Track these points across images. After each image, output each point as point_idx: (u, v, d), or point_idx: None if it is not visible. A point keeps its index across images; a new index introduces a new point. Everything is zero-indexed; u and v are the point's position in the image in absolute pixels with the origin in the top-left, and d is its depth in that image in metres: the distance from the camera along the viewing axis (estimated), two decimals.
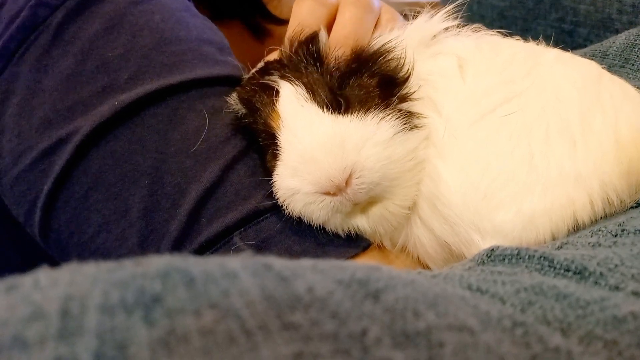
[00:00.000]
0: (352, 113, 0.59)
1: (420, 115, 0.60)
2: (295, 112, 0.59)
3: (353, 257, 0.61)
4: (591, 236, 0.49)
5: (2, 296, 0.27)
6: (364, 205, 0.60)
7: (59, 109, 0.61)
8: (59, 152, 0.60)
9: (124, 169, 0.60)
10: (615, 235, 0.48)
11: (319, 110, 0.59)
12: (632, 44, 0.72)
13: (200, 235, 0.59)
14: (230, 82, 0.66)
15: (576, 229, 0.55)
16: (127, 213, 0.60)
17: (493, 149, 0.58)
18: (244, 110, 0.64)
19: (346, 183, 0.56)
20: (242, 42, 0.90)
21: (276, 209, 0.60)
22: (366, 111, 0.59)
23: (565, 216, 0.55)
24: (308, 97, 0.60)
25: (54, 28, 0.62)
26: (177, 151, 0.61)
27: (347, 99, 0.60)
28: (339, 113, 0.59)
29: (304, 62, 0.62)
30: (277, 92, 0.61)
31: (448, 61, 0.63)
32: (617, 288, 0.39)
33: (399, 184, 0.59)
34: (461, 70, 0.62)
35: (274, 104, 0.61)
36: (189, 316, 0.26)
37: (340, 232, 0.60)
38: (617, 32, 0.88)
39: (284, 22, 0.90)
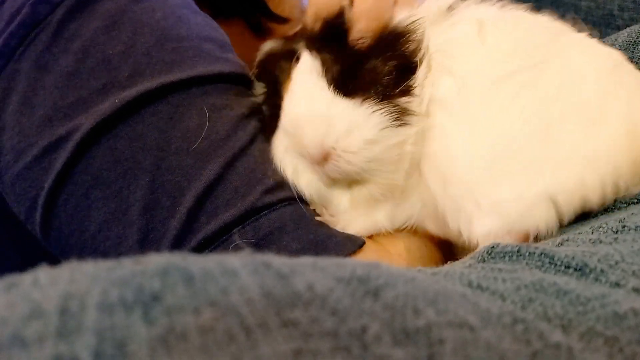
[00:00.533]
0: (354, 97, 0.60)
1: (414, 112, 0.60)
2: (304, 81, 0.61)
3: (352, 253, 0.61)
4: (592, 233, 0.49)
5: (2, 294, 0.27)
6: (348, 181, 0.61)
7: (59, 106, 0.61)
8: (59, 150, 0.60)
9: (124, 166, 0.60)
10: (616, 232, 0.48)
11: (326, 86, 0.60)
12: (635, 42, 0.72)
13: (199, 233, 0.59)
14: (231, 79, 0.66)
15: (582, 212, 0.55)
16: (128, 211, 0.60)
17: (508, 115, 0.57)
18: (262, 89, 0.66)
19: (325, 158, 0.59)
20: (242, 40, 0.90)
21: (275, 205, 0.61)
22: (365, 99, 0.59)
23: (574, 198, 0.55)
24: (321, 71, 0.61)
25: (55, 25, 0.62)
26: (178, 149, 0.61)
27: (356, 82, 0.61)
28: (344, 94, 0.60)
29: (327, 37, 0.62)
30: (297, 58, 0.63)
31: (467, 26, 0.63)
32: (617, 285, 0.39)
33: (380, 174, 0.60)
34: (481, 35, 0.62)
35: (290, 70, 0.63)
36: (188, 314, 0.26)
37: (317, 198, 0.63)
38: (619, 28, 0.88)
39: (285, 20, 0.90)
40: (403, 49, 0.62)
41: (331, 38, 0.62)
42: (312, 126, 0.59)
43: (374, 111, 0.59)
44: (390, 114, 0.59)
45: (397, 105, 0.60)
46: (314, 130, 0.59)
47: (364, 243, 0.62)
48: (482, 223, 0.56)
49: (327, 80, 0.61)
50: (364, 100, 0.60)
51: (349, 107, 0.59)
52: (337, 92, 0.60)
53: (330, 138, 0.59)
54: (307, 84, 0.61)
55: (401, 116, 0.60)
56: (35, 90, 0.62)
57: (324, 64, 0.61)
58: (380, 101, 0.60)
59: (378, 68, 0.61)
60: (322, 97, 0.60)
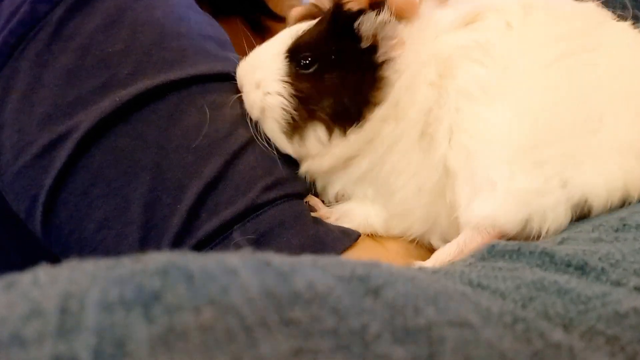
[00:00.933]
0: (293, 73, 0.62)
1: (303, 140, 0.62)
2: (282, 35, 0.65)
3: (348, 248, 0.62)
4: (592, 231, 0.49)
5: (1, 293, 0.27)
6: None
7: (59, 104, 0.61)
8: (59, 148, 0.60)
9: (124, 164, 0.60)
10: (617, 230, 0.48)
11: (287, 46, 0.63)
12: None
13: (199, 231, 0.59)
14: (232, 77, 0.66)
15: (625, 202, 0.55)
16: (128, 209, 0.60)
17: (560, 98, 0.56)
18: None
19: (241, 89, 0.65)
20: (243, 39, 0.90)
21: (274, 202, 0.61)
22: (294, 84, 0.61)
23: (614, 194, 0.54)
24: (297, 36, 0.63)
25: (54, 24, 0.62)
26: (178, 146, 0.61)
27: (311, 66, 0.61)
28: (292, 62, 0.62)
29: (337, 15, 0.62)
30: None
31: (508, 13, 0.61)
32: (618, 283, 0.39)
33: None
34: (528, 18, 0.60)
35: None
36: (189, 313, 0.26)
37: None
38: None
39: (285, 19, 0.90)
40: (366, 94, 0.61)
41: (338, 19, 0.62)
42: (248, 59, 0.65)
43: (282, 96, 0.61)
44: (289, 114, 0.61)
45: (301, 120, 0.61)
46: (246, 61, 0.65)
47: (359, 236, 0.63)
48: (483, 205, 0.55)
49: (293, 43, 0.63)
50: (291, 84, 0.61)
51: (278, 73, 0.62)
52: (288, 57, 0.62)
53: (245, 76, 0.64)
54: (279, 38, 0.65)
55: (290, 128, 0.61)
56: (34, 88, 0.62)
57: (305, 32, 0.63)
58: (298, 98, 0.61)
59: (333, 82, 0.61)
60: (275, 50, 0.63)
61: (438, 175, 0.60)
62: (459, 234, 0.58)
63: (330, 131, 0.61)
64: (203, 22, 0.69)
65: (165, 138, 0.61)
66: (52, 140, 0.60)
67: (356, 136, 0.61)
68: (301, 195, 0.65)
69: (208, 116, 0.62)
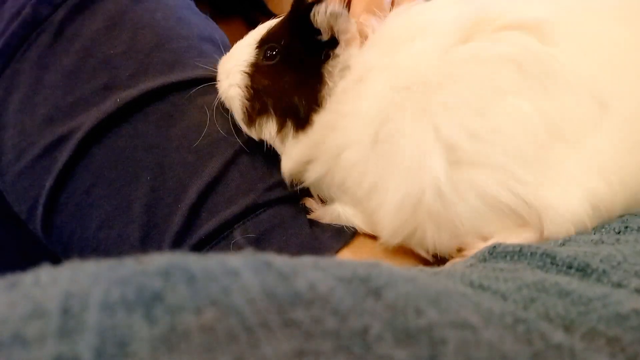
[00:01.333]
0: (259, 67, 0.62)
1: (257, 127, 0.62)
2: (261, 27, 0.66)
3: (345, 246, 0.62)
4: (594, 233, 0.49)
5: (3, 294, 0.27)
6: None
7: (60, 105, 0.61)
8: (60, 149, 0.60)
9: (125, 164, 0.60)
10: (619, 232, 0.48)
11: (258, 41, 0.63)
12: None
13: (200, 230, 0.59)
14: None
15: None
16: (129, 209, 0.60)
17: None
18: None
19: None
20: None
21: (274, 202, 0.61)
22: (255, 76, 0.61)
23: None
24: (268, 30, 0.63)
25: (56, 26, 0.63)
26: (179, 146, 0.61)
27: (273, 60, 0.61)
28: (260, 52, 0.62)
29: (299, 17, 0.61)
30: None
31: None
32: (620, 285, 0.39)
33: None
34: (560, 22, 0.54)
35: None
36: (190, 313, 0.26)
37: None
38: None
39: None
40: (315, 94, 0.59)
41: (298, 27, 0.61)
42: (231, 49, 0.65)
43: (240, 88, 0.61)
44: (244, 106, 0.61)
45: (254, 113, 0.61)
46: (229, 51, 0.65)
47: (355, 233, 0.62)
48: (578, 206, 0.51)
49: (264, 33, 0.63)
50: (250, 75, 0.61)
51: (243, 64, 0.62)
52: (258, 47, 0.63)
53: (222, 65, 0.64)
54: (259, 28, 0.65)
55: (247, 119, 0.61)
56: (36, 89, 0.62)
57: (278, 22, 0.64)
58: (254, 90, 0.61)
59: (289, 76, 0.60)
60: (250, 40, 0.64)
61: (434, 190, 0.53)
62: (444, 244, 0.56)
63: (280, 127, 0.60)
64: (203, 23, 0.70)
65: (165, 138, 0.61)
66: (54, 141, 0.61)
67: (306, 139, 0.60)
68: (300, 196, 0.65)
69: (208, 116, 0.62)
